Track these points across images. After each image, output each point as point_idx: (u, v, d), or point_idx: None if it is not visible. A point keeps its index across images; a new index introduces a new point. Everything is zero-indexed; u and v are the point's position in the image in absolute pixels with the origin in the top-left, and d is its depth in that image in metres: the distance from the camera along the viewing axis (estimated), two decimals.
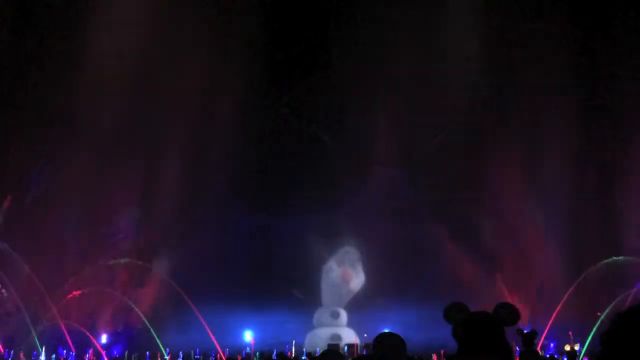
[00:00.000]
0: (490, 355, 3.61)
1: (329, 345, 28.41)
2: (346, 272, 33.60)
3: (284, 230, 31.56)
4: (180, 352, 28.68)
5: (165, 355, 28.08)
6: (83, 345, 28.54)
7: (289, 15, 34.35)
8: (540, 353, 15.76)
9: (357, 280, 33.80)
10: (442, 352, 25.33)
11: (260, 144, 32.55)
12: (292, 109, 35.65)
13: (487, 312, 3.90)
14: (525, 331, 10.18)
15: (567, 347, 25.85)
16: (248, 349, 30.46)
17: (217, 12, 31.98)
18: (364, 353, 26.57)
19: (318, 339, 31.97)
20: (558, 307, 29.71)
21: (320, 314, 33.73)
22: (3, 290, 28.92)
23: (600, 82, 32.31)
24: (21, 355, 26.88)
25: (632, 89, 30.36)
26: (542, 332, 27.46)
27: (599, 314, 27.37)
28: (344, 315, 33.73)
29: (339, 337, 31.58)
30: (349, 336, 31.93)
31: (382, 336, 5.08)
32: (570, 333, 27.66)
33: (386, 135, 35.63)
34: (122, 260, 29.50)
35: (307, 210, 31.70)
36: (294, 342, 30.20)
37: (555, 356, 21.64)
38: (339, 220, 32.68)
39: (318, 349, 29.46)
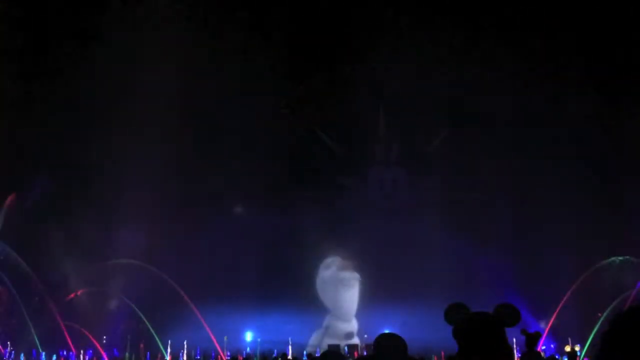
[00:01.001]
0: (490, 356, 3.61)
1: (329, 346, 28.34)
2: (343, 263, 33.38)
3: (285, 230, 31.52)
4: (181, 352, 28.66)
5: (165, 355, 28.07)
6: (83, 345, 28.54)
7: (291, 15, 34.37)
8: (542, 354, 15.73)
9: (351, 272, 33.51)
10: (442, 353, 25.30)
11: (260, 145, 32.55)
12: (292, 109, 35.63)
13: (487, 312, 3.90)
14: (529, 332, 10.11)
15: (567, 348, 25.78)
16: (249, 349, 30.44)
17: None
18: (364, 354, 26.55)
19: (317, 341, 31.90)
20: (558, 308, 29.69)
21: (334, 327, 33.33)
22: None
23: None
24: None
25: None
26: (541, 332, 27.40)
27: (599, 314, 27.34)
28: (354, 328, 33.39)
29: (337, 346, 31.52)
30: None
31: (382, 337, 5.07)
32: (569, 340, 27.65)
33: (386, 135, 35.74)
34: (124, 261, 29.48)
35: (308, 210, 31.68)
36: (290, 341, 30.12)
37: (556, 357, 21.61)
38: (339, 220, 32.67)
39: (318, 349, 29.45)
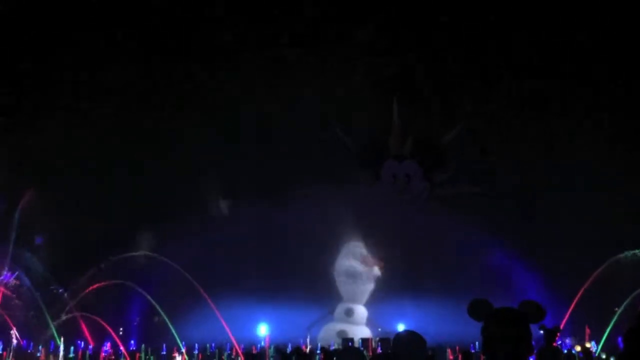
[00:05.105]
0: (514, 352, 3.63)
1: (344, 340, 28.42)
2: (365, 257, 33.45)
3: (300, 224, 31.58)
4: (196, 345, 28.88)
5: (181, 348, 28.31)
6: (101, 337, 28.89)
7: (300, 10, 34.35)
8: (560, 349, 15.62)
9: (375, 266, 33.60)
10: (457, 348, 25.23)
11: (276, 136, 32.69)
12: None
13: (513, 308, 3.90)
14: (547, 327, 10.03)
15: (578, 348, 25.29)
16: (263, 342, 30.57)
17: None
18: (379, 347, 26.61)
19: (329, 333, 32.14)
20: (574, 302, 29.45)
21: (338, 310, 33.70)
22: (17, 282, 29.37)
23: None
24: (42, 350, 27.25)
25: None
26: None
27: (616, 309, 27.13)
28: (359, 313, 33.48)
29: (345, 333, 31.55)
30: (357, 333, 31.67)
31: (402, 335, 5.05)
32: (587, 331, 27.39)
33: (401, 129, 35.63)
34: (139, 253, 29.78)
35: (323, 203, 31.70)
36: (308, 336, 30.28)
37: (573, 352, 21.48)
38: (353, 214, 32.64)
39: (333, 341, 29.55)
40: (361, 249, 33.59)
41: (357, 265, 33.60)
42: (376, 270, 33.52)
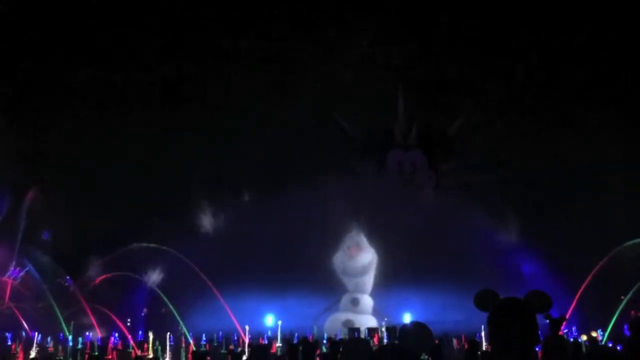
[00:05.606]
0: (520, 341, 3.64)
1: (350, 330, 28.52)
2: (350, 249, 33.53)
3: (304, 214, 31.63)
4: (204, 335, 29.04)
5: (189, 338, 28.49)
6: (109, 328, 29.12)
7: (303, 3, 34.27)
8: (565, 338, 15.62)
9: (364, 253, 33.54)
10: (463, 337, 25.29)
11: (282, 127, 32.70)
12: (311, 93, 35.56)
13: (518, 298, 3.92)
14: (553, 316, 10.04)
15: (584, 337, 25.24)
16: (269, 332, 30.72)
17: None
18: (385, 335, 26.71)
19: (334, 323, 32.33)
20: (580, 290, 29.45)
21: (344, 300, 33.86)
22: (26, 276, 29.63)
23: None
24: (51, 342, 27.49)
25: None
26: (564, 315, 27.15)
27: (622, 297, 27.12)
28: (365, 302, 33.60)
29: (351, 322, 31.69)
30: (362, 322, 31.79)
31: (408, 326, 5.09)
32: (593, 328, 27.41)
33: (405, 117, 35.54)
34: (147, 245, 29.94)
35: (325, 194, 31.74)
36: (315, 327, 30.41)
37: (579, 340, 21.51)
38: (357, 204, 32.65)
39: (339, 330, 29.68)
40: (356, 239, 33.52)
41: (348, 257, 33.60)
42: (367, 259, 33.44)
